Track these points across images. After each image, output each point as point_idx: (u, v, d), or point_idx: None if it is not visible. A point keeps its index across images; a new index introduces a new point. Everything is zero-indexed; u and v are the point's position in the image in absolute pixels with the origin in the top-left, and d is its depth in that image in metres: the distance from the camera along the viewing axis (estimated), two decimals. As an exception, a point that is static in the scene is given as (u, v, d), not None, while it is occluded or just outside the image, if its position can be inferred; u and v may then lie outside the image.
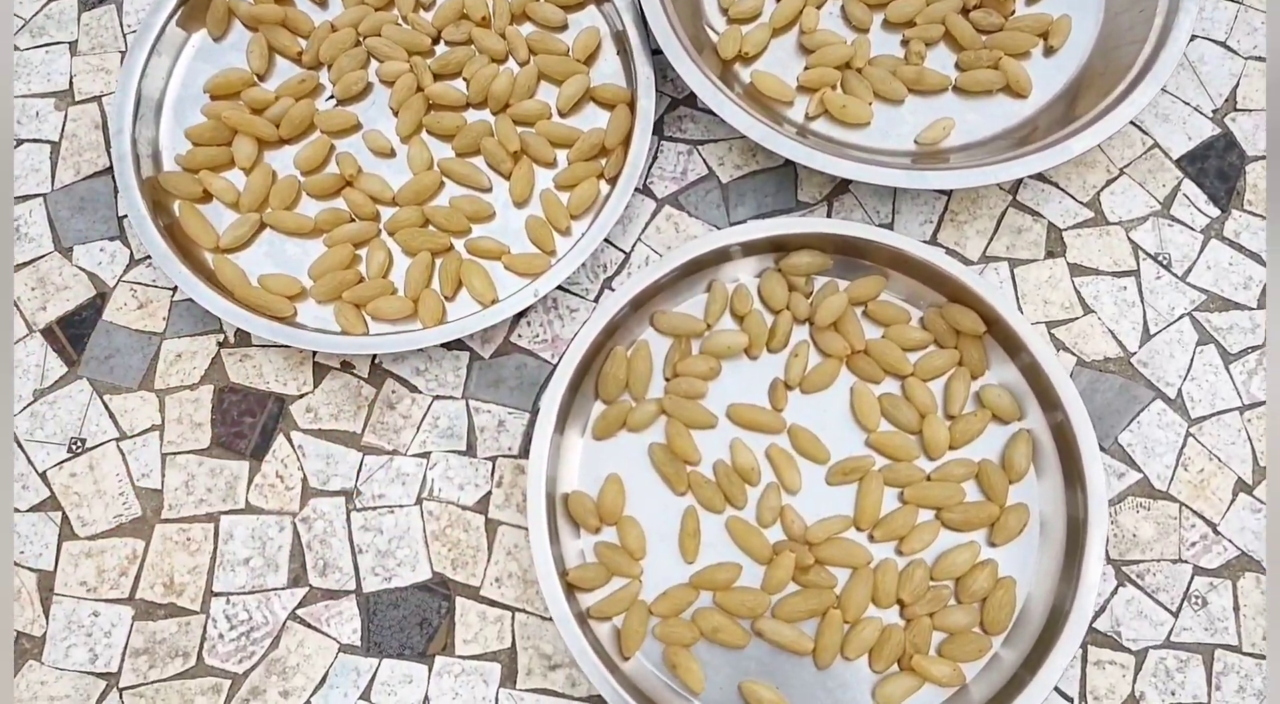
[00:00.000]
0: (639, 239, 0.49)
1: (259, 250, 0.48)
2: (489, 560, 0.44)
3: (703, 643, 0.41)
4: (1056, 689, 0.43)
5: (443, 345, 0.47)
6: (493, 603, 0.43)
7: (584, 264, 0.47)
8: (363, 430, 0.46)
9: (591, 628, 0.41)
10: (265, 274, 0.47)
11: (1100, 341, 0.47)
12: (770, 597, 0.41)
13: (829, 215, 0.49)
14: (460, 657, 0.43)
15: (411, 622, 0.43)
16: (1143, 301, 0.48)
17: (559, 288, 0.48)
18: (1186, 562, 0.44)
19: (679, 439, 0.43)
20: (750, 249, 0.46)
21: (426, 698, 0.43)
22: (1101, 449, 0.44)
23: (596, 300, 0.48)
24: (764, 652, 0.41)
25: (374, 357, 0.47)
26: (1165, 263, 0.48)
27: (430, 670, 0.43)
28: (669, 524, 0.43)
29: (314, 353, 0.47)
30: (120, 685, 0.44)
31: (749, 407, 0.44)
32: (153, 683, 0.43)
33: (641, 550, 0.42)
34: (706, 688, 0.41)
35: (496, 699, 0.42)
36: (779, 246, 0.46)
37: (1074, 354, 0.47)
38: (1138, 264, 0.48)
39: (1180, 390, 0.47)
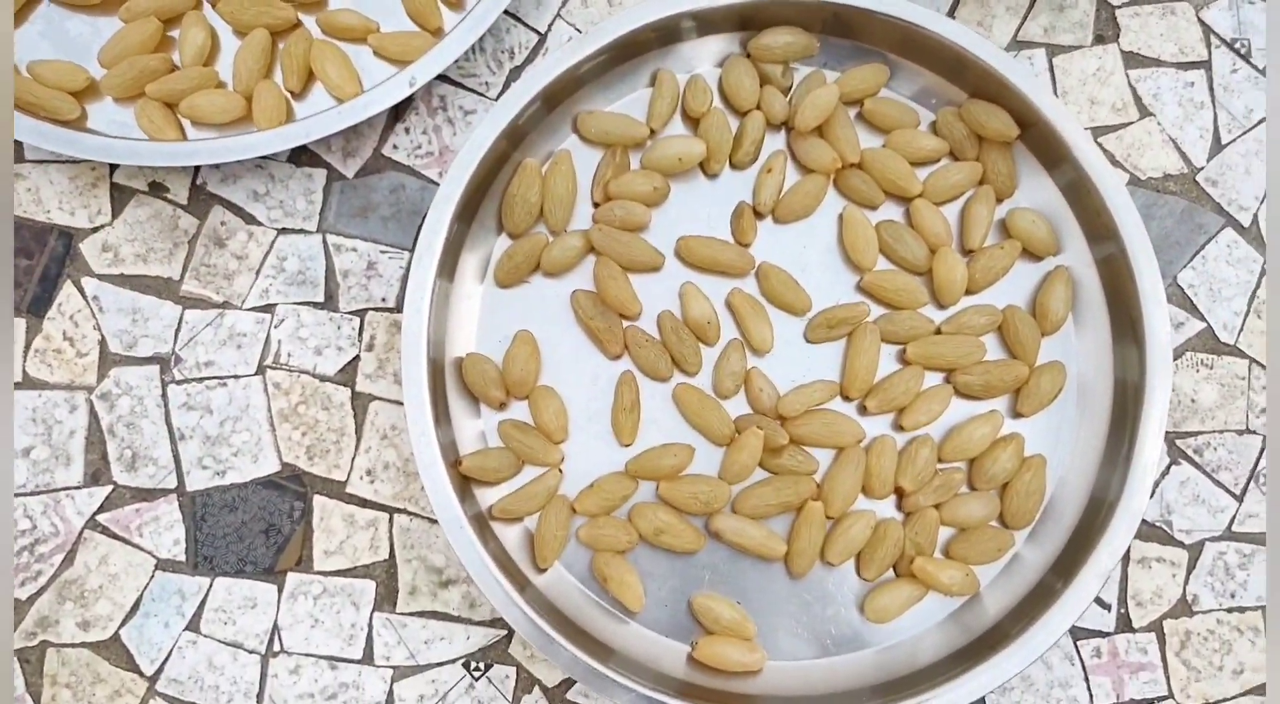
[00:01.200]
0: (558, 15, 0.40)
1: (31, 29, 0.40)
2: (357, 447, 0.38)
3: (642, 548, 0.36)
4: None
5: (290, 160, 0.39)
6: (364, 503, 0.38)
7: (480, 46, 0.40)
8: (182, 276, 0.39)
9: (495, 533, 0.36)
10: (39, 60, 0.39)
11: (1159, 154, 0.40)
12: (730, 487, 0.36)
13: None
14: (321, 573, 0.37)
15: (254, 529, 0.37)
16: (1214, 102, 0.40)
17: (448, 80, 0.39)
18: (1255, 433, 0.38)
19: (612, 284, 0.37)
20: (709, 25, 0.38)
21: (276, 627, 0.36)
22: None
23: (500, 99, 0.39)
24: (722, 558, 0.36)
25: (194, 173, 0.39)
26: (1244, 52, 0.40)
27: (280, 591, 0.37)
28: (598, 396, 0.38)
29: (111, 169, 0.39)
30: None
31: (705, 240, 0.38)
32: (-98, 615, 0.36)
33: (562, 431, 0.37)
34: (646, 605, 0.36)
35: (370, 626, 0.36)
36: (748, 22, 0.38)
37: (1125, 169, 0.40)
38: (1209, 53, 0.40)
39: (1256, 216, 0.39)
